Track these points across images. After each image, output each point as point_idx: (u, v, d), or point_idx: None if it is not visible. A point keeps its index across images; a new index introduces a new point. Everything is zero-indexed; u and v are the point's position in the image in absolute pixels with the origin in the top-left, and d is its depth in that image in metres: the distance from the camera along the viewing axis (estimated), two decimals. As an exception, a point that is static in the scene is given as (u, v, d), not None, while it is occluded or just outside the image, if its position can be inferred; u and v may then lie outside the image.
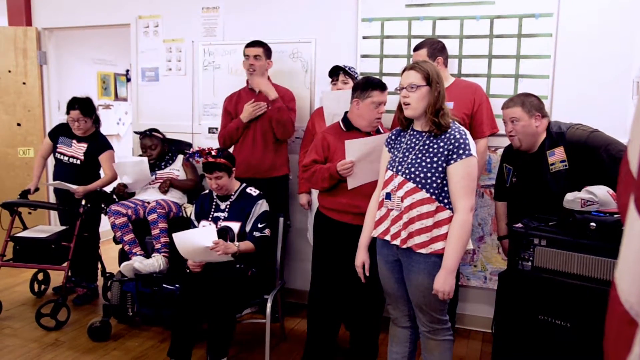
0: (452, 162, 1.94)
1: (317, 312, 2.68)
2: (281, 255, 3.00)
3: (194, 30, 3.83)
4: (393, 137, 2.17)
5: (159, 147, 3.52)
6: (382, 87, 2.46)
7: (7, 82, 4.38)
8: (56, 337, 3.11)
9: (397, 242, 2.02)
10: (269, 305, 2.72)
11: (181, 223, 3.14)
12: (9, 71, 4.38)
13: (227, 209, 2.86)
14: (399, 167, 2.03)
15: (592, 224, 2.02)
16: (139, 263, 3.01)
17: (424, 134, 2.04)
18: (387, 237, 2.06)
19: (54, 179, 3.70)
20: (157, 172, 3.51)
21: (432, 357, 2.11)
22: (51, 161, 3.83)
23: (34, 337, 3.10)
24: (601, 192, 2.09)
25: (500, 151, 2.87)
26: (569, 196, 2.15)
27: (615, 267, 0.77)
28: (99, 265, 3.80)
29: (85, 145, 3.63)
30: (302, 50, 3.55)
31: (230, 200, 2.88)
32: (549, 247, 2.13)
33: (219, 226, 2.79)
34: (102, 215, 3.58)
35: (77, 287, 3.72)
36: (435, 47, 2.89)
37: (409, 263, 2.02)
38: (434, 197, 1.96)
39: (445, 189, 1.97)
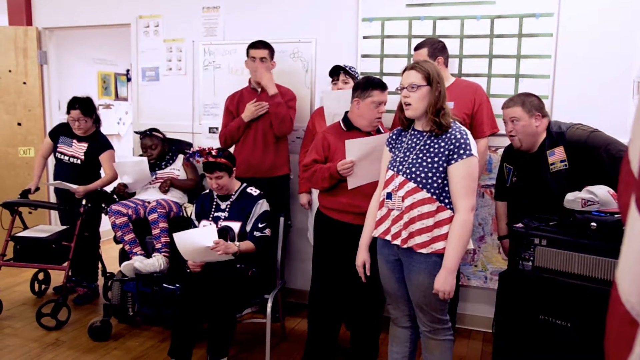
0: (452, 162, 1.94)
1: (317, 311, 2.68)
2: (282, 255, 3.00)
3: (195, 30, 3.83)
4: (394, 136, 2.17)
5: (159, 147, 3.52)
6: (382, 86, 2.46)
7: (8, 82, 4.39)
8: (57, 337, 3.12)
9: (397, 241, 2.02)
10: (269, 305, 2.72)
11: (181, 223, 3.14)
12: (10, 71, 4.38)
13: (227, 209, 2.86)
14: (400, 167, 2.03)
15: (593, 223, 2.02)
16: (140, 263, 3.01)
17: (424, 133, 2.04)
18: (388, 237, 2.06)
19: (55, 179, 3.70)
20: (158, 171, 3.51)
21: (432, 356, 2.11)
22: (51, 161, 3.83)
23: (35, 337, 3.11)
24: (602, 192, 2.08)
25: (500, 151, 2.87)
26: (570, 196, 2.15)
27: (616, 267, 0.76)
28: (100, 265, 3.80)
29: (86, 145, 3.64)
30: (302, 50, 3.55)
31: (231, 200, 2.88)
32: (550, 247, 2.12)
33: (219, 226, 2.79)
34: (103, 215, 3.58)
35: (77, 286, 3.72)
36: (436, 47, 2.89)
37: (409, 263, 2.02)
38: (434, 197, 1.96)
39: (446, 188, 1.97)
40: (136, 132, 3.78)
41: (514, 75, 3.08)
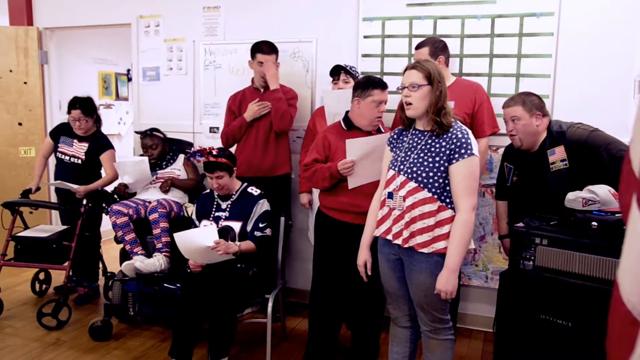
0: (454, 161, 1.94)
1: (318, 311, 2.69)
2: (282, 254, 3.00)
3: (195, 30, 3.83)
4: (395, 136, 2.17)
5: (159, 147, 3.52)
6: (382, 85, 2.46)
7: (9, 82, 4.39)
8: (57, 337, 3.12)
9: (399, 241, 2.01)
10: (270, 304, 2.72)
11: (182, 222, 3.14)
12: (10, 70, 4.38)
13: (228, 209, 2.86)
14: (401, 167, 2.03)
15: (594, 223, 2.02)
16: (140, 262, 3.01)
17: (426, 133, 2.03)
18: (389, 237, 2.06)
19: (55, 179, 3.70)
20: (158, 171, 3.51)
21: (433, 356, 2.11)
22: (52, 161, 3.84)
23: (35, 337, 3.11)
24: (603, 192, 2.08)
25: (501, 150, 2.87)
26: (571, 195, 2.14)
27: (617, 267, 0.76)
28: (100, 265, 3.80)
29: (86, 144, 3.64)
30: (303, 49, 3.55)
31: (232, 199, 2.88)
32: (551, 246, 2.12)
33: (220, 226, 2.79)
34: (103, 215, 3.58)
35: (78, 286, 3.72)
36: (437, 46, 2.89)
37: (410, 262, 2.02)
38: (435, 196, 1.95)
39: (447, 188, 1.97)
40: (137, 132, 3.78)
41: (515, 75, 3.08)
